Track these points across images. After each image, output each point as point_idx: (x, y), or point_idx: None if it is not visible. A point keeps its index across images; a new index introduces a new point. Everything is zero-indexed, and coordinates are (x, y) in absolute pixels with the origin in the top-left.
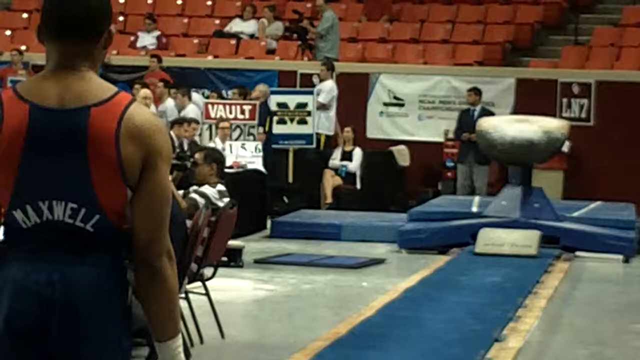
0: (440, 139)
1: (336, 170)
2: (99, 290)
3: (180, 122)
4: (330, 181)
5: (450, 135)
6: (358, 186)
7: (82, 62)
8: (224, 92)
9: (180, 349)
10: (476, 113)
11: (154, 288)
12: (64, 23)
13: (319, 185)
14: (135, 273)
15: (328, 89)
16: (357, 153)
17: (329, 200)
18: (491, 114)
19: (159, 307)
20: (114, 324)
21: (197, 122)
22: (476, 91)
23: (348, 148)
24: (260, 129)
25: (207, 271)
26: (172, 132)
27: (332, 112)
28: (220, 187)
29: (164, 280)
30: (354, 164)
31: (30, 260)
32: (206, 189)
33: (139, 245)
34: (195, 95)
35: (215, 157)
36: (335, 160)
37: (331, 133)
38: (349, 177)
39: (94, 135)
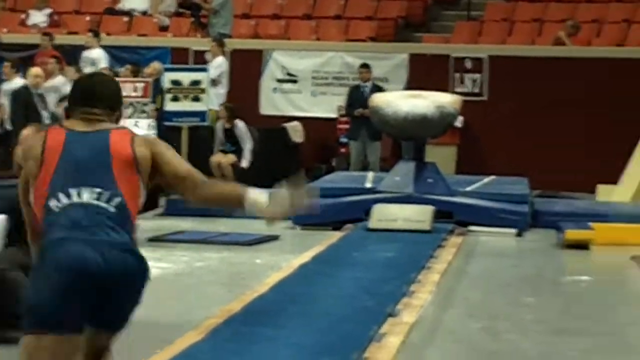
0: (334, 115)
1: (224, 151)
2: (121, 255)
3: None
4: (218, 170)
5: (343, 112)
6: (244, 164)
7: (103, 119)
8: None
9: (254, 194)
10: (367, 89)
11: (208, 190)
12: (95, 99)
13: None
14: (199, 195)
15: (217, 64)
16: (243, 131)
17: None
18: (381, 89)
19: (220, 193)
20: (133, 278)
21: None
22: (368, 67)
23: (228, 125)
24: (152, 106)
25: None
26: (58, 110)
27: (222, 89)
28: None
29: (210, 185)
30: (248, 148)
31: (64, 242)
32: None
33: (188, 183)
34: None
35: None
36: (219, 134)
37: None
38: (238, 153)
39: (115, 142)
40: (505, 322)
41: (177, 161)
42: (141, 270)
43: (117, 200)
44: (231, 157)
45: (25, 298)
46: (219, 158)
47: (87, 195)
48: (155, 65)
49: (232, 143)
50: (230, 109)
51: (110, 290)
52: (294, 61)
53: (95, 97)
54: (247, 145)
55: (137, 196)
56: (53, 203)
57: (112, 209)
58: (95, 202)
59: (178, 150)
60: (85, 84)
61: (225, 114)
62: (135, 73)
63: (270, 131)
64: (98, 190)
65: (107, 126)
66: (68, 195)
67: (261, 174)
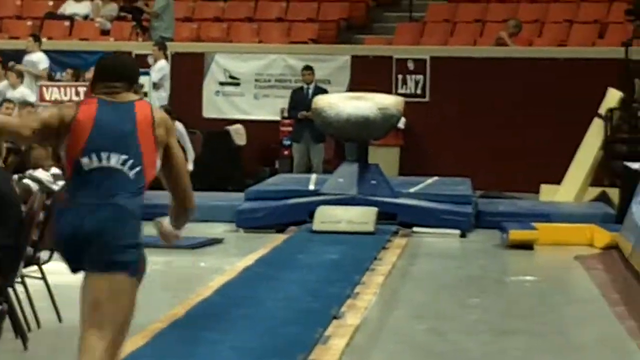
0: (277, 118)
1: None
2: (124, 221)
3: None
4: None
5: (287, 114)
6: (190, 167)
7: (123, 90)
8: (58, 74)
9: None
10: (310, 91)
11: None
12: (113, 74)
13: None
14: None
15: (159, 67)
16: (182, 133)
17: None
18: (324, 91)
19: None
20: (130, 243)
21: (31, 104)
22: (311, 70)
23: None
24: None
25: (44, 255)
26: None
27: (164, 93)
28: (55, 170)
29: (172, 196)
30: (190, 151)
31: (80, 205)
32: (40, 173)
33: (175, 186)
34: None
35: None
36: None
37: None
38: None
39: (139, 118)
40: (450, 323)
41: (177, 162)
42: (136, 227)
43: (137, 169)
44: None
45: None
46: None
47: (114, 160)
48: None
49: None
50: (169, 112)
51: (101, 244)
52: (236, 64)
53: (116, 74)
54: (189, 147)
55: (154, 167)
56: (85, 161)
57: (132, 176)
58: (120, 167)
59: None
60: (107, 63)
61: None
62: (76, 77)
63: (213, 134)
64: (124, 157)
65: (131, 97)
66: (99, 158)
67: (205, 177)
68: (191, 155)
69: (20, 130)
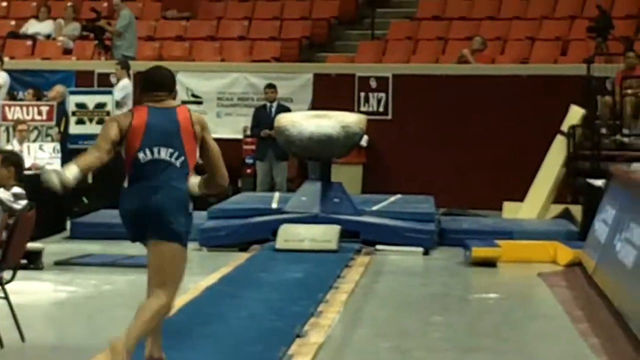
0: (240, 136)
1: None
2: (178, 200)
3: None
4: None
5: (249, 132)
6: None
7: (165, 97)
8: (21, 93)
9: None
10: (273, 109)
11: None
12: (157, 85)
13: (119, 185)
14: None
15: (122, 86)
16: None
17: None
18: (287, 109)
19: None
20: (182, 218)
21: None
22: (274, 88)
23: None
24: (56, 130)
25: (6, 274)
26: None
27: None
28: (16, 189)
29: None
30: None
31: (141, 189)
32: (1, 192)
33: (210, 166)
34: None
35: (13, 161)
36: None
37: None
38: None
39: (180, 119)
40: (414, 341)
41: (213, 150)
42: (186, 204)
43: (182, 158)
44: None
45: None
46: None
47: (163, 153)
48: (59, 88)
49: None
50: None
51: (164, 217)
52: (198, 82)
53: (160, 85)
54: None
55: (194, 156)
56: (141, 155)
57: (178, 164)
58: (169, 158)
59: (85, 175)
60: (152, 77)
61: None
62: (38, 97)
63: None
64: (171, 150)
65: (173, 104)
66: (152, 152)
67: None
68: None
69: (103, 158)
